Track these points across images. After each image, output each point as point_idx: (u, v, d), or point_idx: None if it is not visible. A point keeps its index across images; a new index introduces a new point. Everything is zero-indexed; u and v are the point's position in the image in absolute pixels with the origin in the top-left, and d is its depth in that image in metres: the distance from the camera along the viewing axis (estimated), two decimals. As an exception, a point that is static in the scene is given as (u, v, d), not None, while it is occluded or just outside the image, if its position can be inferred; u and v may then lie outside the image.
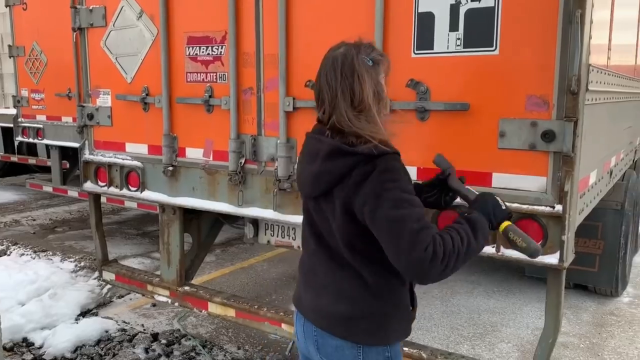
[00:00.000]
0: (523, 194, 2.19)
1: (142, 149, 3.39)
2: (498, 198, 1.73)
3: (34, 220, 7.52)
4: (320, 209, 1.72)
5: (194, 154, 3.15)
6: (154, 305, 4.62)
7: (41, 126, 6.60)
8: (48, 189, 6.85)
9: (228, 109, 2.93)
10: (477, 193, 1.76)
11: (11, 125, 7.50)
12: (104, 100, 3.52)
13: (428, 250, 1.47)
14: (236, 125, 2.92)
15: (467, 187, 1.82)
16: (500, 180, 2.24)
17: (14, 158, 8.65)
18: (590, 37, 2.10)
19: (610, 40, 2.70)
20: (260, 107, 2.87)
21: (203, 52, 3.02)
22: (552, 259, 2.13)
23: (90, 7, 3.45)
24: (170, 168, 3.21)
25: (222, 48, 2.94)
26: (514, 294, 4.94)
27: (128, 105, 3.40)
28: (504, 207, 1.71)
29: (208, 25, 2.98)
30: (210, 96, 3.00)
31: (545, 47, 2.07)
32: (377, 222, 1.54)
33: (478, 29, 2.21)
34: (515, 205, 2.19)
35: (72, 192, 6.65)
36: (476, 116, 2.26)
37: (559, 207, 2.10)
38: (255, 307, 3.08)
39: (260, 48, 2.82)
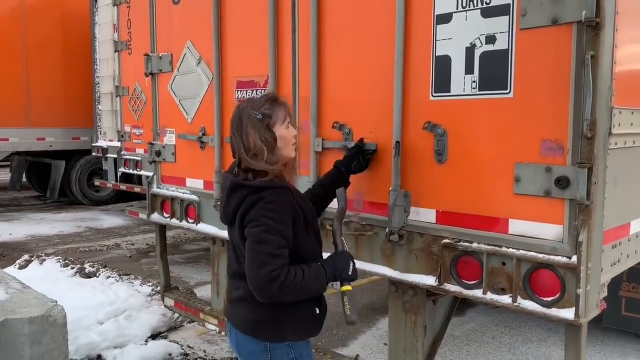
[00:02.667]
0: (540, 243, 2.08)
1: (199, 184, 3.63)
2: (352, 262, 2.09)
3: (133, 245, 8.20)
4: (232, 235, 2.11)
5: (240, 190, 3.31)
6: (220, 332, 4.84)
7: (140, 159, 7.25)
8: (143, 216, 7.44)
9: (268, 149, 3.07)
10: (344, 249, 2.15)
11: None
12: (170, 138, 3.84)
13: (274, 274, 1.85)
14: (275, 165, 3.05)
15: (342, 238, 2.19)
16: (517, 227, 2.14)
17: (123, 187, 9.54)
18: (613, 79, 1.98)
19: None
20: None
21: (249, 95, 3.21)
22: (568, 313, 1.98)
23: (160, 55, 3.81)
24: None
25: (264, 91, 3.11)
26: (593, 345, 4.54)
27: (188, 144, 3.67)
28: (350, 273, 2.07)
29: (253, 70, 3.17)
30: (254, 137, 3.17)
31: (559, 90, 1.98)
32: (249, 238, 1.92)
33: (493, 71, 2.16)
34: (531, 254, 2.09)
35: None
36: (493, 160, 2.19)
37: (575, 259, 1.96)
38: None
39: (297, 91, 2.95)
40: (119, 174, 8.36)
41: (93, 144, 10.27)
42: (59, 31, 10.93)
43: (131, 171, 7.51)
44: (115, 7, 7.36)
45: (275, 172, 2.01)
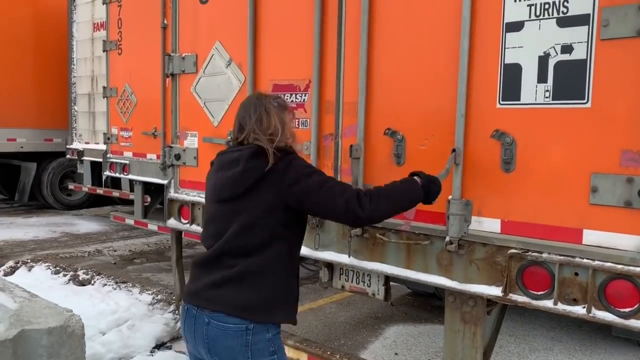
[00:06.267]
0: (617, 253, 2.08)
1: (224, 189, 3.50)
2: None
3: (115, 251, 7.90)
4: (235, 210, 2.06)
5: (273, 196, 3.22)
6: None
7: (127, 162, 6.98)
8: (130, 221, 7.18)
9: (309, 154, 3.00)
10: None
11: (99, 159, 8.05)
12: (191, 142, 3.70)
13: (353, 190, 2.04)
14: (316, 170, 2.97)
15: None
16: (592, 238, 2.14)
17: (100, 191, 9.21)
18: (694, 91, 2.00)
19: None
20: (337, 153, 2.91)
21: (287, 99, 3.12)
22: (650, 324, 1.99)
23: (183, 55, 3.68)
24: (250, 209, 3.28)
25: (305, 95, 3.04)
26: (598, 354, 4.62)
27: (214, 147, 3.54)
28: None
29: (293, 74, 3.09)
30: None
31: (643, 101, 1.99)
32: (311, 192, 2.00)
33: (569, 81, 2.16)
34: (608, 264, 2.08)
35: (152, 226, 6.93)
36: (566, 170, 2.19)
37: (658, 270, 1.97)
38: (328, 353, 3.05)
39: (341, 96, 2.88)
40: (104, 177, 8.05)
41: (67, 146, 9.89)
42: (31, 28, 10.49)
43: (117, 174, 7.23)
44: (105, 5, 7.09)
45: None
